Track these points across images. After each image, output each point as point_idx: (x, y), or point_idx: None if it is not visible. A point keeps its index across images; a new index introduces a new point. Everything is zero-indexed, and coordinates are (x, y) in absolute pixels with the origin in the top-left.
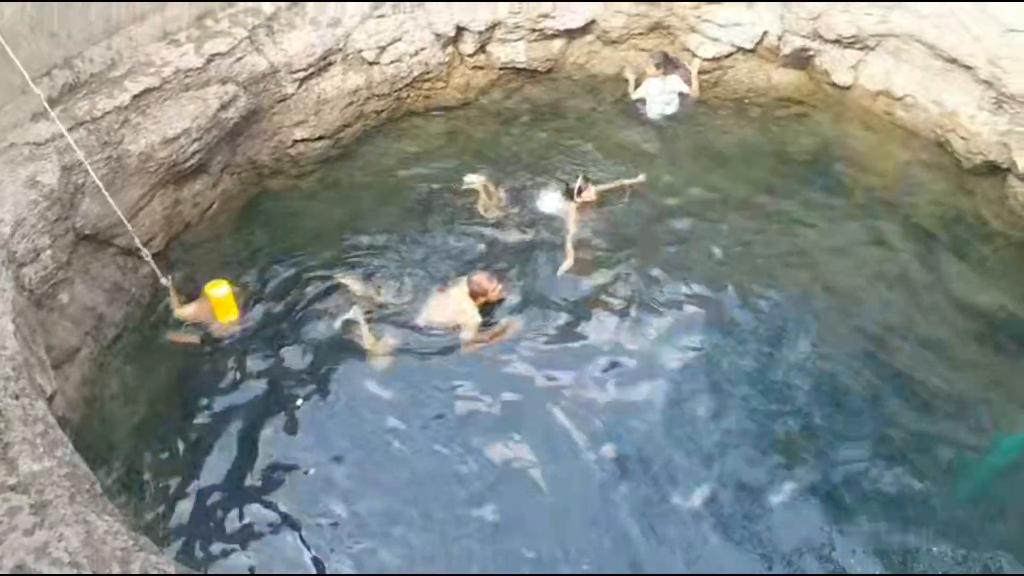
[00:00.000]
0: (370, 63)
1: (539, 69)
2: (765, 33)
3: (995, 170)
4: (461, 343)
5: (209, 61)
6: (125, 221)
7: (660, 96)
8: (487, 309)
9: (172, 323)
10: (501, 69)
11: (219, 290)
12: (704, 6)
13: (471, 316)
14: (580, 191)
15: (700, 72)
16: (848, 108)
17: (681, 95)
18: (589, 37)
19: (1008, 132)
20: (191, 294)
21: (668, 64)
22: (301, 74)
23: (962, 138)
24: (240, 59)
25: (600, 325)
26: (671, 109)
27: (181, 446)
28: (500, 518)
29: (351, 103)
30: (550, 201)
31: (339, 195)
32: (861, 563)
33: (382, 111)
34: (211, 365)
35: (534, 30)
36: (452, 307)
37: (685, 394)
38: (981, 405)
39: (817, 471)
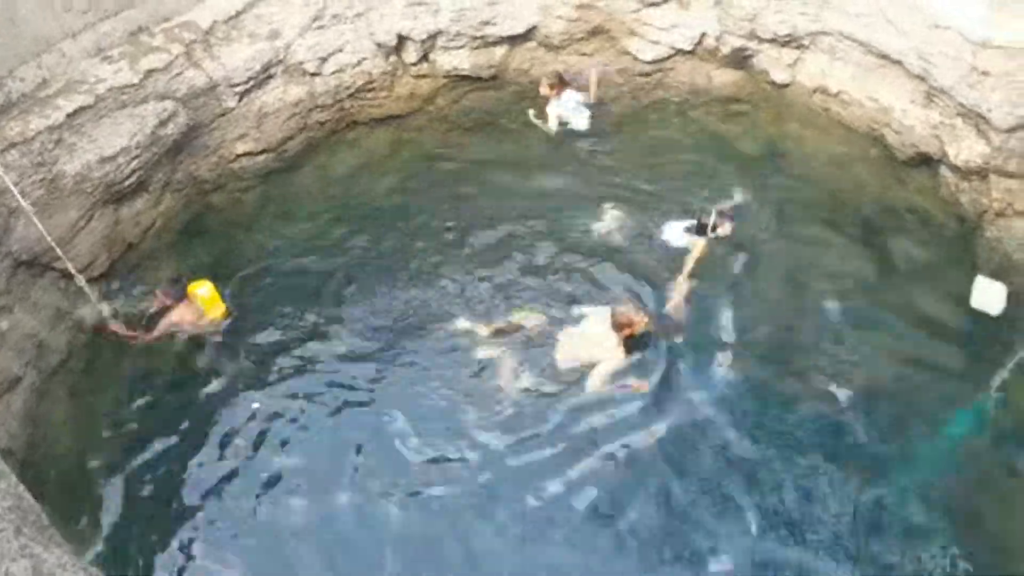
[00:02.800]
0: (311, 74)
1: (483, 76)
2: (703, 34)
3: (928, 161)
4: (590, 380)
5: (145, 77)
6: (56, 248)
7: (562, 113)
8: (631, 343)
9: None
10: (445, 77)
11: (203, 289)
12: (644, 10)
13: (615, 351)
14: (715, 227)
15: (601, 79)
16: (787, 105)
17: (591, 105)
18: (531, 43)
19: (939, 124)
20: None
21: (560, 83)
22: (241, 88)
23: (896, 132)
24: (178, 74)
25: None
26: (582, 121)
27: (130, 474)
28: None
29: (294, 115)
30: (676, 233)
31: (285, 209)
32: None
33: (326, 122)
34: (159, 389)
35: (476, 37)
36: (593, 341)
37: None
38: (926, 394)
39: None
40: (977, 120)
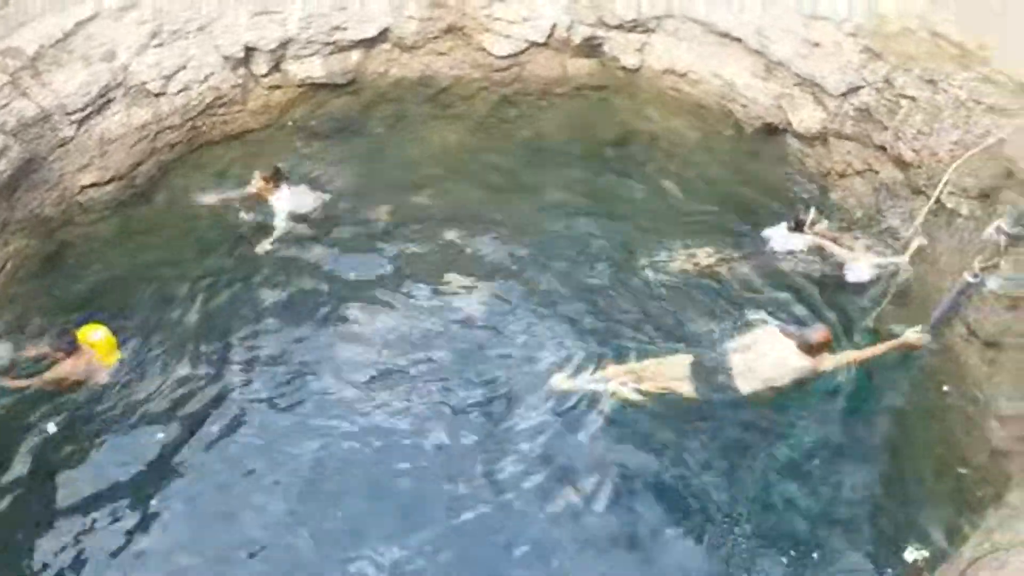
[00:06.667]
0: (156, 95)
1: (339, 82)
2: (554, 25)
3: (774, 131)
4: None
5: None
6: None
7: (293, 208)
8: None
9: None
10: (300, 86)
11: (97, 333)
12: (495, 5)
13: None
14: (814, 222)
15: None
16: (640, 89)
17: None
18: (386, 45)
19: (780, 95)
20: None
21: (276, 176)
22: (79, 115)
23: (742, 105)
24: (4, 106)
25: None
26: (308, 204)
27: None
28: None
29: (140, 139)
30: (782, 237)
31: (142, 238)
32: None
33: (176, 143)
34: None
35: (328, 43)
36: (779, 363)
37: None
38: None
39: None
40: (813, 88)
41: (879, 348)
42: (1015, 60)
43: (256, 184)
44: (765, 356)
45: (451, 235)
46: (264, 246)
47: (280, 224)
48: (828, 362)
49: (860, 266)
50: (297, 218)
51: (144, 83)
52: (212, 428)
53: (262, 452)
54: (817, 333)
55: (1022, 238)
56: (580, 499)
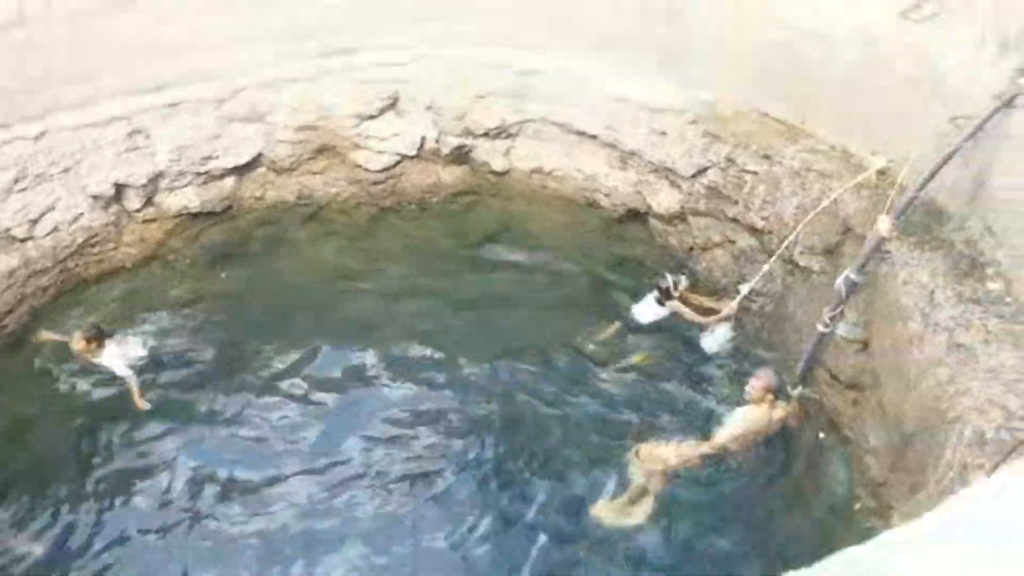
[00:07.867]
0: (22, 240)
1: (216, 210)
2: (423, 138)
3: (637, 215)
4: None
5: None
6: None
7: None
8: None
9: None
10: (176, 217)
11: None
12: (363, 123)
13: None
14: (676, 285)
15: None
16: (511, 190)
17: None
18: (260, 170)
19: (638, 182)
20: None
21: (99, 336)
22: None
23: (605, 195)
24: None
25: None
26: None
27: None
28: None
29: (9, 286)
30: (651, 309)
31: (18, 387)
32: None
33: (48, 287)
34: None
35: (201, 173)
36: (754, 421)
37: None
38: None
39: None
40: (667, 173)
41: (795, 407)
42: (832, 130)
43: (77, 346)
44: (750, 431)
45: (342, 351)
46: (143, 403)
47: (127, 375)
48: (781, 410)
49: (715, 333)
50: (139, 364)
51: (8, 229)
52: None
53: None
54: (774, 380)
55: (862, 286)
56: None
